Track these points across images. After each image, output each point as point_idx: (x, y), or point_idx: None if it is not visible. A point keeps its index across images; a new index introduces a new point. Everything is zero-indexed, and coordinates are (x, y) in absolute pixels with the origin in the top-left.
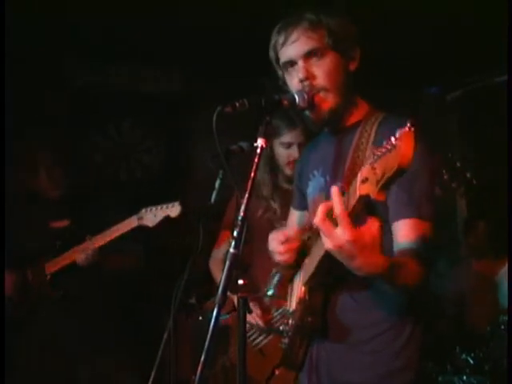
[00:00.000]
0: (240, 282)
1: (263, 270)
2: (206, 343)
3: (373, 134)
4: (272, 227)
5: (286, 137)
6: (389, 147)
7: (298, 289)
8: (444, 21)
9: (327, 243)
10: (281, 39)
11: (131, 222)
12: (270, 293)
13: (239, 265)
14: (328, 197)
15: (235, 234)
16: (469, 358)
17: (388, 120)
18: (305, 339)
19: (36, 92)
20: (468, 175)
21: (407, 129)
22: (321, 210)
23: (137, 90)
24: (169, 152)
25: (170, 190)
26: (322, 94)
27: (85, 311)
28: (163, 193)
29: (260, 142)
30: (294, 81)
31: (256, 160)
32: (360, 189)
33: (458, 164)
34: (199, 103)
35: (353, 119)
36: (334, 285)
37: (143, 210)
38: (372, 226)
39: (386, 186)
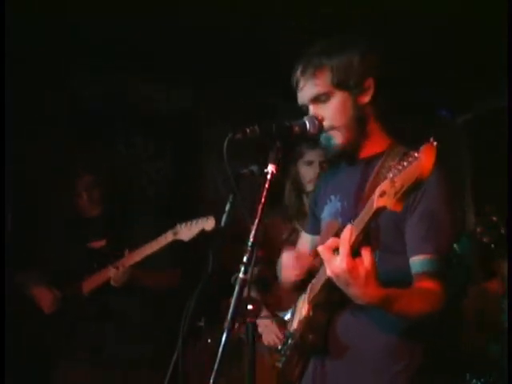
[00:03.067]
0: (249, 307)
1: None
2: (215, 366)
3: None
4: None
5: (308, 155)
6: (410, 160)
7: (301, 308)
8: (451, 38)
9: (327, 270)
10: (294, 83)
11: (166, 238)
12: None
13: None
14: (344, 222)
15: (244, 259)
16: (479, 383)
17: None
18: (302, 358)
19: (43, 105)
20: (502, 231)
21: (430, 143)
22: (330, 241)
23: (145, 106)
24: (178, 170)
25: (180, 209)
26: (331, 133)
27: (121, 327)
28: (173, 211)
29: (270, 168)
30: None
31: (266, 186)
32: (377, 202)
33: (495, 218)
34: (209, 119)
35: (374, 150)
36: (338, 304)
37: (178, 225)
38: (365, 258)
39: (403, 197)
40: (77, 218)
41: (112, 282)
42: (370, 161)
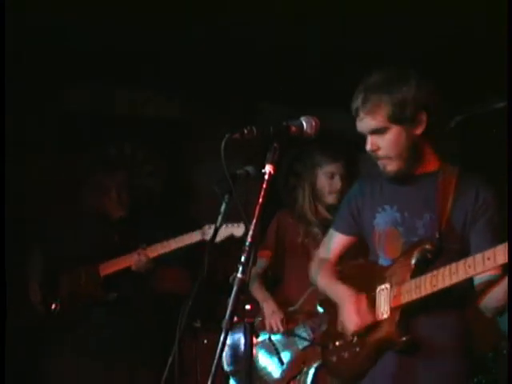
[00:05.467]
0: (247, 307)
1: (294, 287)
2: (213, 367)
3: (453, 186)
4: (307, 252)
5: (330, 167)
6: None
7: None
8: (445, 44)
9: None
10: (354, 112)
11: (194, 236)
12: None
13: (246, 290)
14: (406, 231)
15: (242, 259)
16: None
17: (464, 175)
18: (377, 354)
19: (35, 116)
20: None
21: None
22: None
23: (137, 114)
24: (170, 175)
25: (172, 213)
26: (385, 161)
27: (132, 315)
28: (165, 216)
29: (268, 169)
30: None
31: (264, 186)
32: None
33: None
34: (200, 126)
35: (428, 169)
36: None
37: (206, 226)
38: None
39: None
40: (103, 218)
41: (133, 268)
42: (426, 178)
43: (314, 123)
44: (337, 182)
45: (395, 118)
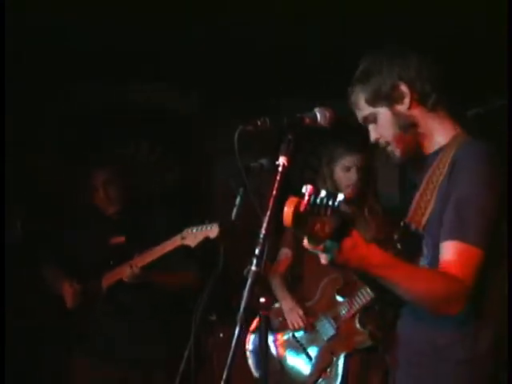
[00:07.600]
0: (261, 300)
1: (314, 284)
2: (229, 360)
3: (448, 161)
4: None
5: (346, 161)
6: None
7: None
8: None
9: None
10: None
11: (174, 242)
12: None
13: (261, 283)
14: None
15: (256, 251)
16: None
17: (465, 145)
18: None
19: (35, 116)
20: None
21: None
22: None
23: (153, 110)
24: (185, 171)
25: (189, 210)
26: (389, 148)
27: (134, 324)
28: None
29: (282, 160)
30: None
31: (278, 178)
32: None
33: None
34: (216, 122)
35: (438, 144)
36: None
37: (185, 230)
38: None
39: None
40: (96, 215)
41: (124, 279)
42: (434, 155)
43: (327, 114)
44: (352, 175)
45: (373, 101)
